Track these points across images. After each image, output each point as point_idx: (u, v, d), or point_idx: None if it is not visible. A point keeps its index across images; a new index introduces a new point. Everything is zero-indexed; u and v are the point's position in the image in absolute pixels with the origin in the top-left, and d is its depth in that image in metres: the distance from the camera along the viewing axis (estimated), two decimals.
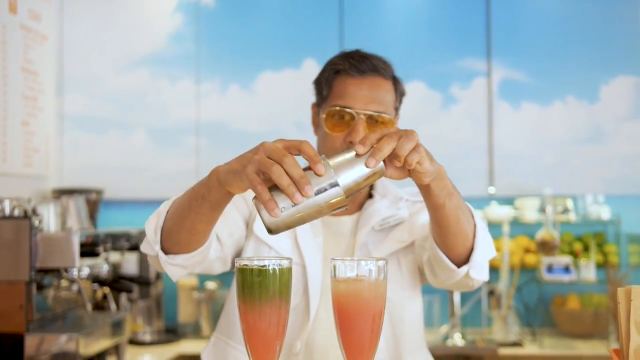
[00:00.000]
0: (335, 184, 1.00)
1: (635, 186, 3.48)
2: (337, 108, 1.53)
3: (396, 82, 1.60)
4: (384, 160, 1.05)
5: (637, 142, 3.50)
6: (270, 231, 1.02)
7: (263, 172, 1.01)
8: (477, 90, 3.54)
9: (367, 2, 3.57)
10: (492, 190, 3.52)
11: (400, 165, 1.08)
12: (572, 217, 3.43)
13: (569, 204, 3.45)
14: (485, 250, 1.37)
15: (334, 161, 1.03)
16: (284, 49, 3.57)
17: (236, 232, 1.56)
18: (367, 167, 1.03)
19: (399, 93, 1.61)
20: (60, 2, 3.52)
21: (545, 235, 3.30)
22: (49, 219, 2.33)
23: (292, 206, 1.00)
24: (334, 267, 1.03)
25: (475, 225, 1.35)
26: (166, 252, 1.32)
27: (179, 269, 1.34)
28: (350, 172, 1.02)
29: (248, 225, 1.60)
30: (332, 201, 1.01)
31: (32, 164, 3.16)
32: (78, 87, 3.55)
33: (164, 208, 1.32)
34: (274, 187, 1.01)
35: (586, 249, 3.43)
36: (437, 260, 1.38)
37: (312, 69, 3.54)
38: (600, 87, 3.51)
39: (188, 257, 1.32)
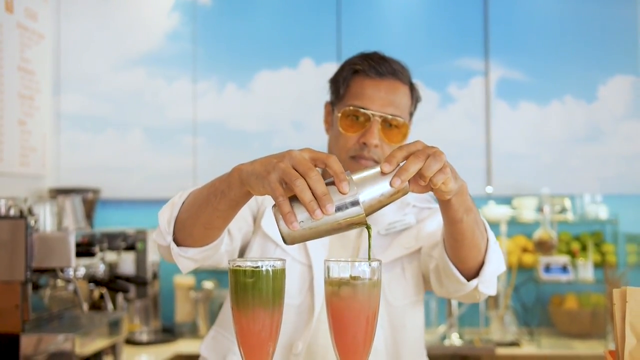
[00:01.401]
0: (357, 203, 0.99)
1: (633, 185, 3.48)
2: (353, 108, 1.54)
3: (413, 88, 1.61)
4: None
5: (634, 142, 3.50)
6: (286, 242, 1.02)
7: (286, 182, 1.01)
8: (474, 89, 3.54)
9: (365, 1, 3.56)
10: (489, 189, 3.51)
11: (424, 184, 1.07)
12: (569, 216, 3.43)
13: (567, 203, 3.45)
14: (496, 266, 1.37)
15: (358, 177, 1.02)
16: (281, 48, 3.56)
17: (244, 226, 1.56)
18: (391, 186, 1.02)
19: (415, 99, 1.62)
20: (57, 1, 3.51)
21: (543, 234, 3.30)
22: (45, 218, 2.33)
23: (311, 221, 0.99)
24: (328, 267, 1.03)
25: (487, 240, 1.35)
26: (178, 244, 1.32)
27: (189, 261, 1.34)
28: (373, 189, 1.01)
29: (256, 220, 1.61)
30: (351, 219, 1.00)
31: (28, 164, 3.15)
32: (75, 86, 3.55)
33: (179, 199, 1.32)
34: (294, 198, 1.00)
35: (584, 248, 3.43)
36: (447, 272, 1.38)
37: (310, 68, 3.54)
38: (598, 86, 3.50)
39: (200, 250, 1.31)
